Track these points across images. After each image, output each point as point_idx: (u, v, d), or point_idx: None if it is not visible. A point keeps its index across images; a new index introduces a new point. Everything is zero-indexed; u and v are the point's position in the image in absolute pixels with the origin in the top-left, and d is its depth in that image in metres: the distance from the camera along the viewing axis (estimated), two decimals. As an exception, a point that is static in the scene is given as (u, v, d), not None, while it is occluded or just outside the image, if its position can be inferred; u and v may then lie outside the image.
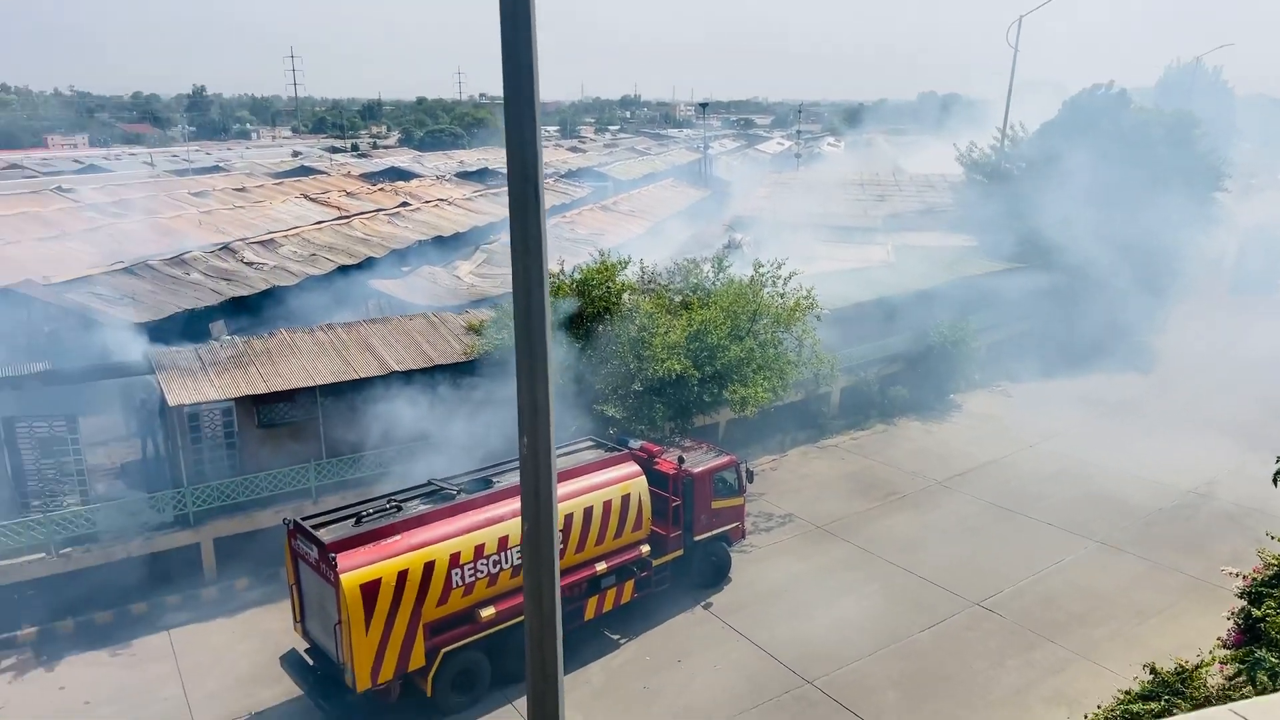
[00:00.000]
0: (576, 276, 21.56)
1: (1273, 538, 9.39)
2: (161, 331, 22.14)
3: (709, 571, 19.19)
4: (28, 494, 18.70)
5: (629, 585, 17.45)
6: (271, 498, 19.54)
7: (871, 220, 41.10)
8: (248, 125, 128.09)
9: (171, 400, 17.91)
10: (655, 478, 18.28)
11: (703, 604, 18.51)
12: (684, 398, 20.74)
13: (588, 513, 16.59)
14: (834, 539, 21.22)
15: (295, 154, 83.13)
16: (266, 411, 20.15)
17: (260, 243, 32.51)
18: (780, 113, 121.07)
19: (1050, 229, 32.80)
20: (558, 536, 4.17)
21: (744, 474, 19.87)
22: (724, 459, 19.52)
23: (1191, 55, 67.60)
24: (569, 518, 16.33)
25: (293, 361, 20.27)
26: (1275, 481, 8.43)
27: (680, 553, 18.49)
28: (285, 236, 33.92)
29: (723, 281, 22.61)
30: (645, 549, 17.69)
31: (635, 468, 17.59)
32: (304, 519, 14.77)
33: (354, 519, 14.63)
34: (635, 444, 19.08)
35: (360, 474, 20.33)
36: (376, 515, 14.70)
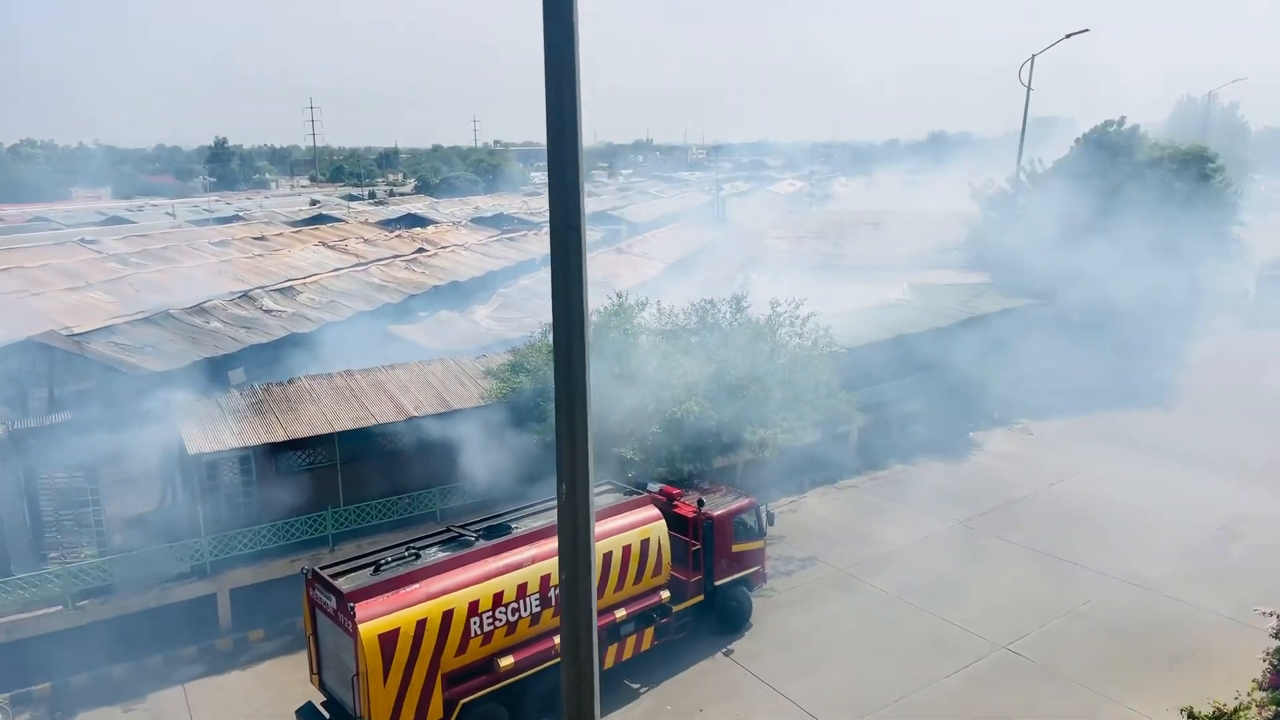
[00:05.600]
0: (594, 320, 21.60)
1: None
2: (181, 379, 22.28)
3: (730, 617, 18.85)
4: (45, 546, 18.67)
5: (649, 632, 17.16)
6: (289, 546, 19.41)
7: (886, 258, 41.14)
8: (267, 175, 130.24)
9: (190, 449, 17.92)
10: (675, 521, 18.06)
11: (724, 651, 18.16)
12: (702, 439, 20.60)
13: (607, 558, 16.37)
14: (856, 581, 20.86)
15: (313, 202, 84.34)
16: (285, 459, 20.11)
17: (279, 290, 32.84)
18: (791, 154, 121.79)
19: (1066, 265, 32.71)
20: (595, 584, 4.06)
21: (764, 516, 19.61)
22: (744, 501, 19.29)
23: (1203, 91, 67.96)
24: (589, 563, 16.13)
25: (311, 408, 20.29)
26: None
27: (701, 598, 18.20)
28: (304, 284, 34.23)
29: (740, 322, 22.58)
30: (665, 594, 17.42)
31: (655, 511, 17.40)
32: (322, 568, 14.64)
33: (373, 567, 14.49)
34: (654, 487, 18.90)
35: (378, 521, 20.21)
36: (395, 563, 14.56)
